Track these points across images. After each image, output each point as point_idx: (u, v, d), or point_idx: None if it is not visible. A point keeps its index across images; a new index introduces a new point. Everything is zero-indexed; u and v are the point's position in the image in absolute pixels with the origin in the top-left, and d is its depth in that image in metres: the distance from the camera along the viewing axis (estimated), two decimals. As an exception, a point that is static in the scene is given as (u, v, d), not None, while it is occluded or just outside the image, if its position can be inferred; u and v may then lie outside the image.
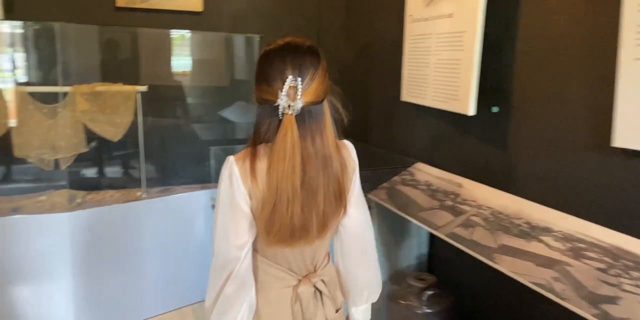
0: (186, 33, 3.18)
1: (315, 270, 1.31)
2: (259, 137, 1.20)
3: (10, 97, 2.55)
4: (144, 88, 2.76)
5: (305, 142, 1.16)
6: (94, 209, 2.55)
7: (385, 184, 2.34)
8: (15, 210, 2.52)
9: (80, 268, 2.41)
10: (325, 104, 1.21)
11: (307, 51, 1.18)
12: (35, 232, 2.41)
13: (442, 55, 2.31)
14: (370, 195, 2.31)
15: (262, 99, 1.18)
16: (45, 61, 2.76)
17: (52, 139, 2.64)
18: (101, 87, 2.73)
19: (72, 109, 2.67)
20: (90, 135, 2.75)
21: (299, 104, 1.14)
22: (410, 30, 2.60)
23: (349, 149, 1.32)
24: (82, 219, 2.45)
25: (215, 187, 1.23)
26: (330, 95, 1.23)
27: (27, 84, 2.68)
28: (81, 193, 2.76)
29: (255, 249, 1.27)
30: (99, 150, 2.89)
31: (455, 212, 1.93)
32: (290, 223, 1.16)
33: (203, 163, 3.33)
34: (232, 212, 1.19)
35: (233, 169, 1.18)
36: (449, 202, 2.00)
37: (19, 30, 2.70)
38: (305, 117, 1.16)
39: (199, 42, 3.29)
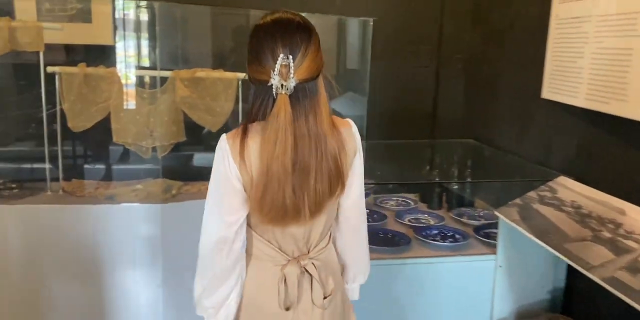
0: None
1: (308, 252, 1.30)
2: (252, 115, 1.19)
3: (114, 80, 2.45)
4: (245, 75, 2.54)
5: (299, 121, 1.14)
6: (187, 202, 2.40)
7: (517, 201, 1.93)
8: (110, 198, 2.43)
9: (170, 260, 2.30)
10: (320, 81, 1.18)
11: (297, 27, 1.15)
12: (128, 221, 2.31)
13: (605, 43, 1.84)
14: (497, 212, 1.91)
15: (254, 79, 1.17)
16: (144, 44, 2.63)
17: (151, 126, 2.52)
18: (201, 73, 2.55)
19: (172, 95, 2.53)
20: (188, 124, 2.59)
21: (291, 83, 1.12)
22: (560, 12, 2.13)
23: (351, 127, 1.27)
24: (176, 211, 2.32)
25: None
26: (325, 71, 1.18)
27: (126, 67, 2.57)
28: (177, 184, 2.62)
29: (248, 224, 1.26)
30: (196, 139, 2.73)
31: (616, 248, 1.48)
32: (282, 204, 1.16)
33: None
34: (225, 189, 1.20)
35: (225, 146, 1.19)
36: (607, 234, 1.56)
37: (119, 10, 2.60)
38: (299, 95, 1.14)
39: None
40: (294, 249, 1.28)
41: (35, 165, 2.60)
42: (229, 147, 1.18)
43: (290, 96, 1.12)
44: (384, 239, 2.20)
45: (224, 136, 1.21)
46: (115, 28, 2.67)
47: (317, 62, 1.16)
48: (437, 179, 2.61)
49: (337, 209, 1.33)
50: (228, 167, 1.18)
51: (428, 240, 2.16)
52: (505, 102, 2.64)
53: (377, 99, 2.90)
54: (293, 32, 1.13)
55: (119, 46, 2.72)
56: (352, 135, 1.26)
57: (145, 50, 2.67)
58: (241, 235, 1.23)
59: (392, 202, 2.72)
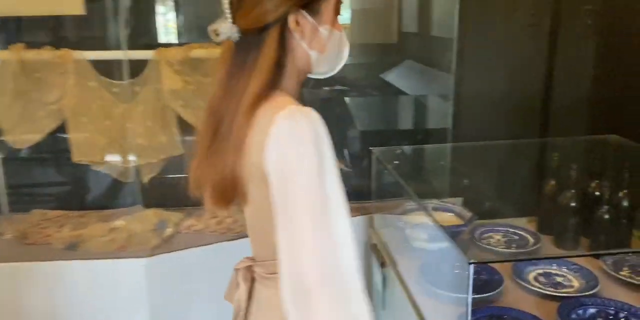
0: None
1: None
2: None
3: (67, 68, 1.62)
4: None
5: (230, 86, 0.88)
6: (190, 250, 1.57)
7: None
8: (73, 246, 1.62)
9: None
10: (272, 38, 0.87)
11: None
12: (99, 287, 1.51)
13: None
14: None
15: None
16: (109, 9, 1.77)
17: (129, 135, 1.68)
18: (199, 51, 1.69)
19: (156, 87, 1.67)
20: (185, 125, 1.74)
21: (228, 29, 0.87)
22: None
23: (274, 126, 0.81)
24: (172, 267, 1.56)
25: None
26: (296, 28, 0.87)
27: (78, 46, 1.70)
28: (175, 216, 1.79)
29: None
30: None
31: None
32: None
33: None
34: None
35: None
36: None
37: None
38: (240, 51, 0.88)
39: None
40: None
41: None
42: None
43: (234, 51, 0.88)
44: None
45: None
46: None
47: (264, 6, 0.86)
48: (572, 203, 1.64)
49: None
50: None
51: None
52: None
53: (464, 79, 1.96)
54: None
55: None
56: (266, 126, 0.83)
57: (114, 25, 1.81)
58: None
59: (498, 237, 1.78)
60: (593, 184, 1.72)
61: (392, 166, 1.81)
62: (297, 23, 0.88)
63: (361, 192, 2.04)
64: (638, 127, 1.83)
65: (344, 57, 1.02)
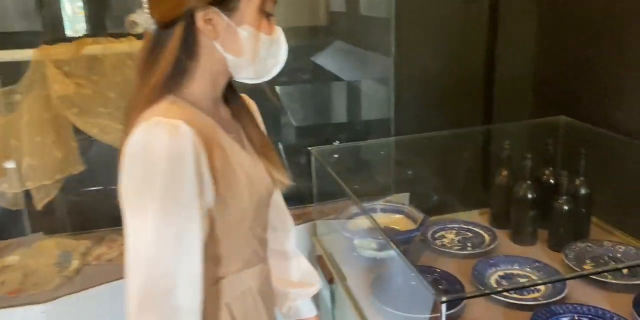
0: None
1: None
2: None
3: None
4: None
5: (137, 85, 0.83)
6: (98, 288, 1.32)
7: None
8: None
9: None
10: (176, 35, 0.79)
11: None
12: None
13: None
14: None
15: None
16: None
17: (12, 155, 1.39)
18: (94, 47, 1.41)
19: (43, 94, 1.38)
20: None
21: (144, 21, 0.81)
22: None
23: (136, 131, 0.73)
24: (76, 311, 1.28)
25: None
26: (208, 29, 0.79)
27: None
28: (81, 244, 1.52)
29: None
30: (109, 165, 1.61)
31: None
32: None
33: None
34: None
35: None
36: None
37: None
38: (151, 46, 0.82)
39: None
40: None
41: None
42: None
43: (148, 45, 0.82)
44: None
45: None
46: None
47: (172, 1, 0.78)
48: (528, 194, 1.51)
49: None
50: None
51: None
52: (629, 48, 1.51)
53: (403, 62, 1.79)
54: None
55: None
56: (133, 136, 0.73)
57: None
58: None
59: (452, 236, 1.63)
60: (547, 172, 1.61)
61: (332, 167, 1.62)
62: (209, 21, 0.79)
63: (301, 196, 1.84)
64: (584, 103, 1.72)
65: (278, 63, 0.89)
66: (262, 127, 1.06)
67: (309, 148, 1.62)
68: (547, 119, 1.76)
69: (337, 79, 2.46)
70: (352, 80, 2.47)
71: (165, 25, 0.80)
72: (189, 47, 0.80)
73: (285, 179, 0.99)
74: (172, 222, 0.73)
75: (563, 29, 1.77)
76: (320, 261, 1.53)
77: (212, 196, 0.79)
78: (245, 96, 1.05)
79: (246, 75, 0.89)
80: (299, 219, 1.67)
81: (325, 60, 2.47)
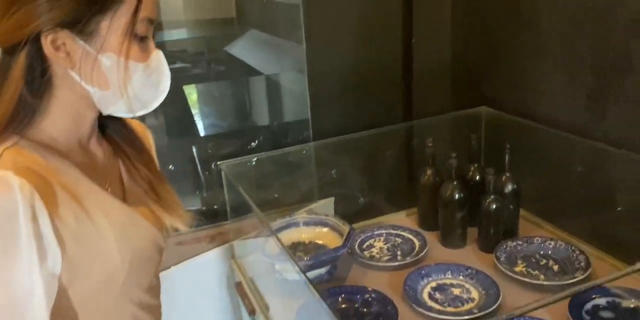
0: None
1: None
2: None
3: None
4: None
5: None
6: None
7: None
8: None
9: None
10: (18, 64, 0.66)
11: None
12: None
13: None
14: None
15: None
16: None
17: None
18: None
19: None
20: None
21: None
22: None
23: None
24: None
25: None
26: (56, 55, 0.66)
27: None
28: None
29: None
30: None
31: None
32: None
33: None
34: None
35: None
36: None
37: None
38: None
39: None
40: None
41: None
42: None
43: None
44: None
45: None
46: None
47: (11, 20, 0.64)
48: (455, 194, 1.43)
49: None
50: None
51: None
52: (547, 31, 1.44)
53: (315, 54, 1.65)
54: None
55: None
56: None
57: None
58: None
59: (380, 244, 1.53)
60: (473, 169, 1.53)
61: (246, 179, 1.47)
62: (61, 47, 0.66)
63: (215, 213, 1.68)
64: (504, 92, 1.65)
65: (159, 94, 0.74)
66: (155, 160, 0.89)
67: (219, 163, 1.46)
68: (469, 111, 1.68)
69: (255, 72, 2.28)
70: (271, 74, 2.30)
71: (7, 51, 0.67)
72: (35, 78, 0.67)
73: (182, 225, 0.84)
74: (1, 294, 0.59)
75: (477, 11, 1.68)
76: (240, 289, 1.38)
77: (57, 261, 0.63)
78: (135, 122, 0.87)
79: (117, 110, 0.73)
80: (213, 241, 1.51)
81: (240, 50, 2.29)
